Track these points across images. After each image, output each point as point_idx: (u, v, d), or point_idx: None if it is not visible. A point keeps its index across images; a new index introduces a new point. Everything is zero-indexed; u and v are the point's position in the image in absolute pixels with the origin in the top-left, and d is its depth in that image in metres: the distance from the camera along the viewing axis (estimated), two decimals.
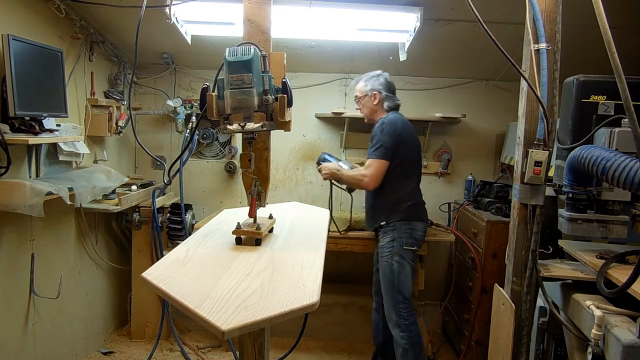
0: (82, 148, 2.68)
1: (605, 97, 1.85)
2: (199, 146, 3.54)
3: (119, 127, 3.03)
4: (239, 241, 1.57)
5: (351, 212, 3.01)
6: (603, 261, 1.72)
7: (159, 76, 3.45)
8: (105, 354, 3.02)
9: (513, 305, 1.89)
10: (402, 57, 2.90)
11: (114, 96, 3.12)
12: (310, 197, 3.60)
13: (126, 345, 3.16)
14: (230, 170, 3.57)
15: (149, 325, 3.20)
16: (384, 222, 2.50)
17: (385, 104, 2.56)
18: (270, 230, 1.74)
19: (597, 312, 1.55)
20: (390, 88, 2.60)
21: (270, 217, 1.78)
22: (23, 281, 2.32)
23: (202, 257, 1.41)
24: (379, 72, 2.61)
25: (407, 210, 2.47)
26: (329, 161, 2.69)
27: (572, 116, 1.91)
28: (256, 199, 1.65)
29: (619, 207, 1.81)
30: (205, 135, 3.46)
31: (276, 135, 1.74)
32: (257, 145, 1.62)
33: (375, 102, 2.55)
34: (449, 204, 3.47)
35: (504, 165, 3.34)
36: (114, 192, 2.85)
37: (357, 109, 2.69)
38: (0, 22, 2.09)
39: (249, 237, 1.57)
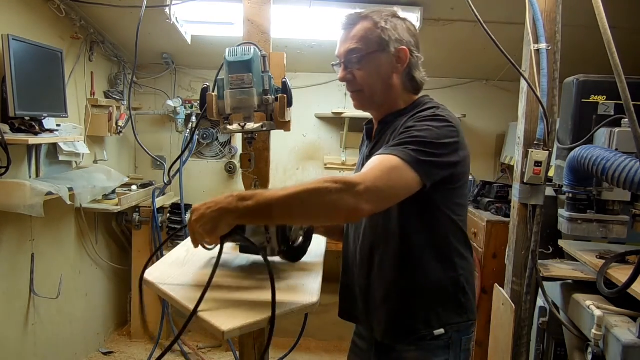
0: (82, 148, 2.67)
1: (605, 97, 1.86)
2: (199, 146, 3.54)
3: (119, 127, 3.03)
4: None
5: None
6: (603, 261, 1.72)
7: (159, 76, 3.44)
8: (105, 354, 3.02)
9: (513, 305, 1.89)
10: None
11: (114, 96, 3.12)
12: None
13: (126, 345, 3.16)
14: (230, 170, 3.57)
15: (149, 325, 3.20)
16: (429, 331, 1.16)
17: (415, 78, 1.29)
18: None
19: (597, 312, 1.55)
20: (418, 44, 1.28)
21: None
22: (23, 281, 2.32)
23: (202, 257, 1.41)
24: (394, 9, 1.27)
25: (468, 300, 1.20)
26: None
27: (572, 116, 1.91)
28: None
29: (619, 207, 1.81)
30: (205, 135, 3.46)
31: (276, 135, 1.74)
32: (257, 145, 1.62)
33: (401, 65, 1.24)
34: None
35: (504, 165, 3.34)
36: (114, 192, 2.85)
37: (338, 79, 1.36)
38: (0, 22, 2.09)
39: None
